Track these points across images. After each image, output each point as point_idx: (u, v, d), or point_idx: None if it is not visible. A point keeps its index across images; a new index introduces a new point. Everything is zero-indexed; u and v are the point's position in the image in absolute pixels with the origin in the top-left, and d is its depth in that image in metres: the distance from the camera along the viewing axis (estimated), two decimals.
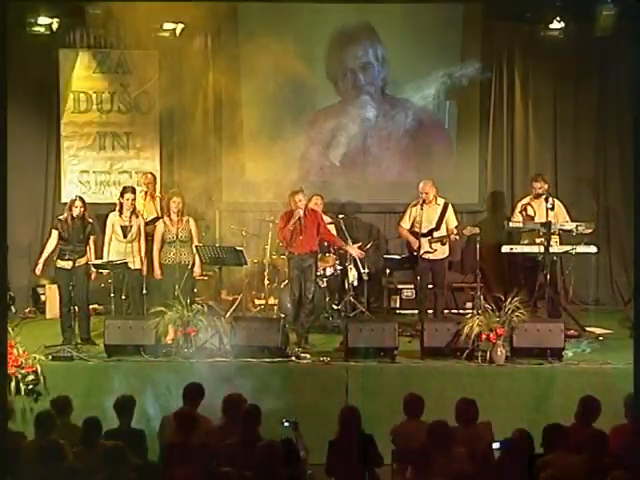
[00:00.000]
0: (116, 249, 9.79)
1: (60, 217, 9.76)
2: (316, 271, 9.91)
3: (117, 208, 9.91)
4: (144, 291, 9.82)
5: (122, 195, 9.90)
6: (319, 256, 10.22)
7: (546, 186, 10.53)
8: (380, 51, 11.87)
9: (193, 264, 9.84)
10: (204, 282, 11.10)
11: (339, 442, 6.57)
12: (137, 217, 9.91)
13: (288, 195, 9.81)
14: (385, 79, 11.94)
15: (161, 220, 9.99)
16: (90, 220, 9.75)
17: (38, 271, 9.81)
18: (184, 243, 9.81)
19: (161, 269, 9.80)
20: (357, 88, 11.90)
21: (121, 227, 9.80)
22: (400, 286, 11.41)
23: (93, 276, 9.74)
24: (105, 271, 9.76)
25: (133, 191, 10.00)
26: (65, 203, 10.22)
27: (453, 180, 11.80)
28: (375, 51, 11.88)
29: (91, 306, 10.02)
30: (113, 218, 9.89)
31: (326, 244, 10.34)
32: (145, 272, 9.87)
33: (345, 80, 11.91)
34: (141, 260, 9.87)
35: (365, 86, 11.91)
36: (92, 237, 9.68)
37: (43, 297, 11.38)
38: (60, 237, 9.57)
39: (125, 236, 9.78)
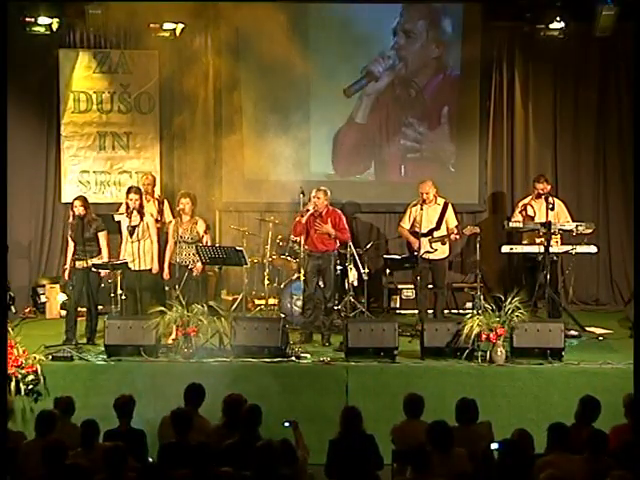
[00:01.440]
0: (127, 249, 9.80)
1: (69, 221, 9.81)
2: (335, 272, 9.93)
3: (124, 208, 9.91)
4: (146, 291, 9.83)
5: (127, 195, 9.89)
6: None
7: (549, 187, 10.53)
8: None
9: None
10: (204, 282, 11.11)
11: (340, 442, 6.57)
12: (143, 217, 9.89)
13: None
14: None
15: (174, 220, 10.02)
16: (94, 217, 9.73)
17: (67, 277, 9.77)
18: (189, 244, 9.81)
19: (170, 269, 9.81)
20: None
21: (127, 227, 9.80)
22: (400, 286, 11.41)
23: (103, 273, 9.72)
24: (105, 271, 9.77)
25: (137, 191, 9.98)
26: (65, 203, 10.23)
27: (453, 180, 11.83)
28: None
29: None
30: (122, 218, 9.90)
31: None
32: (156, 272, 9.87)
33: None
34: (152, 259, 9.86)
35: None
36: (101, 234, 9.65)
37: (43, 297, 11.37)
38: (72, 239, 9.60)
39: (131, 235, 9.78)
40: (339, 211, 10.06)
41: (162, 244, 10.08)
